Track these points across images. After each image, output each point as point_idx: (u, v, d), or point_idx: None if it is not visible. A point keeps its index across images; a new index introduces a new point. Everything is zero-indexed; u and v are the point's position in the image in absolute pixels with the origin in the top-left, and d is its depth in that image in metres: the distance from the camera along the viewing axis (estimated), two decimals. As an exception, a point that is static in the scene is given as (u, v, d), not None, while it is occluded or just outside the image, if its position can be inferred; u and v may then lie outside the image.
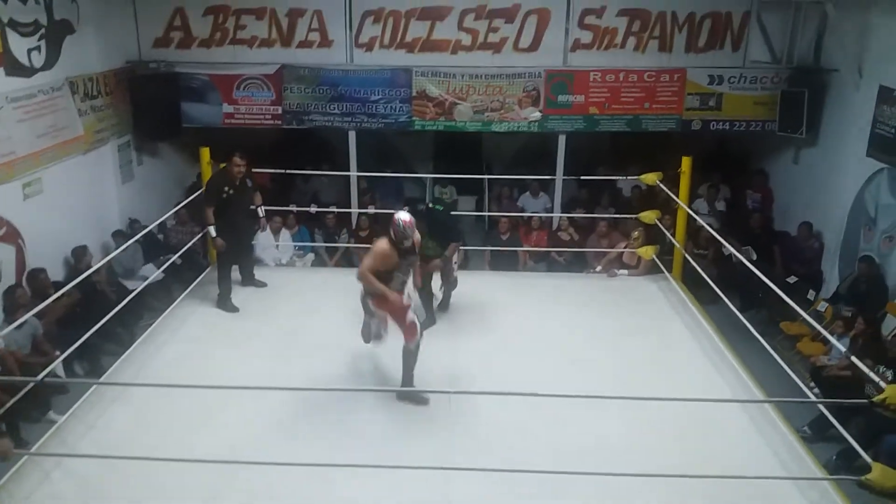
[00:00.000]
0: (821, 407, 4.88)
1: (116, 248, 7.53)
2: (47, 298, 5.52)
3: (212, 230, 6.41)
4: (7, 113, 6.66)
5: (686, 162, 6.90)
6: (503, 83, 9.02)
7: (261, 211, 6.87)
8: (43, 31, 7.23)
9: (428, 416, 4.81)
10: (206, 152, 7.18)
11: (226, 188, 6.37)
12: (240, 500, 4.04)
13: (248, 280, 6.90)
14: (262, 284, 6.92)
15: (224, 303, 6.46)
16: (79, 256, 7.26)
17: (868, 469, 3.46)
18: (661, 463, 4.14)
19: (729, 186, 9.98)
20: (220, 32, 9.01)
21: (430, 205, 6.14)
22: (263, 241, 8.18)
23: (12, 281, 6.57)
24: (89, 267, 7.43)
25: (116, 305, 5.94)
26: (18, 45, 6.87)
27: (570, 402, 4.56)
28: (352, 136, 9.23)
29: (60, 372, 6.16)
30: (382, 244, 4.72)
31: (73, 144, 7.73)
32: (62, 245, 7.34)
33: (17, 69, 6.85)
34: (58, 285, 6.39)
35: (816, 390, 5.98)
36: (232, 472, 4.13)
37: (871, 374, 3.81)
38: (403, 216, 4.71)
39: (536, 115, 9.11)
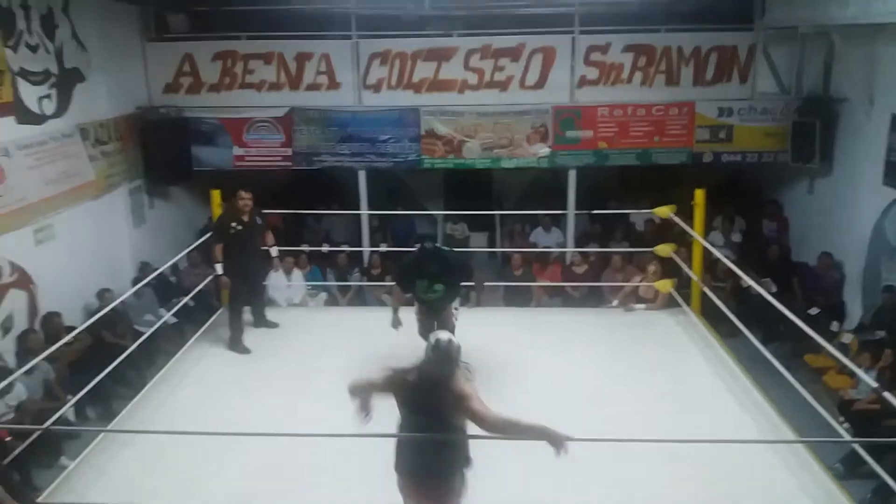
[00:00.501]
0: (855, 445, 4.70)
1: (133, 296, 7.54)
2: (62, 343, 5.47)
3: (218, 268, 6.36)
4: (19, 160, 6.69)
5: (699, 194, 6.83)
6: (511, 120, 9.04)
7: (274, 251, 6.84)
8: (53, 79, 7.33)
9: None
10: (216, 195, 7.19)
11: (233, 224, 6.33)
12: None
13: (260, 321, 6.83)
14: (274, 325, 6.84)
15: (236, 344, 6.38)
16: (102, 298, 7.23)
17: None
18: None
19: (743, 218, 9.89)
20: (229, 77, 9.12)
21: (438, 245, 5.97)
22: (275, 281, 8.14)
23: (25, 326, 6.53)
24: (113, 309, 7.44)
25: (128, 349, 5.88)
26: (29, 94, 6.95)
27: (589, 442, 4.42)
28: (362, 175, 9.24)
29: (72, 416, 6.06)
30: (467, 385, 3.41)
31: (84, 190, 7.76)
32: (75, 290, 7.30)
33: (28, 117, 6.92)
34: (71, 331, 6.34)
35: (846, 425, 5.78)
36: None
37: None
38: (446, 336, 3.48)
39: (545, 150, 9.11)
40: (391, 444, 4.61)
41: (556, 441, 3.20)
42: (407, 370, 3.41)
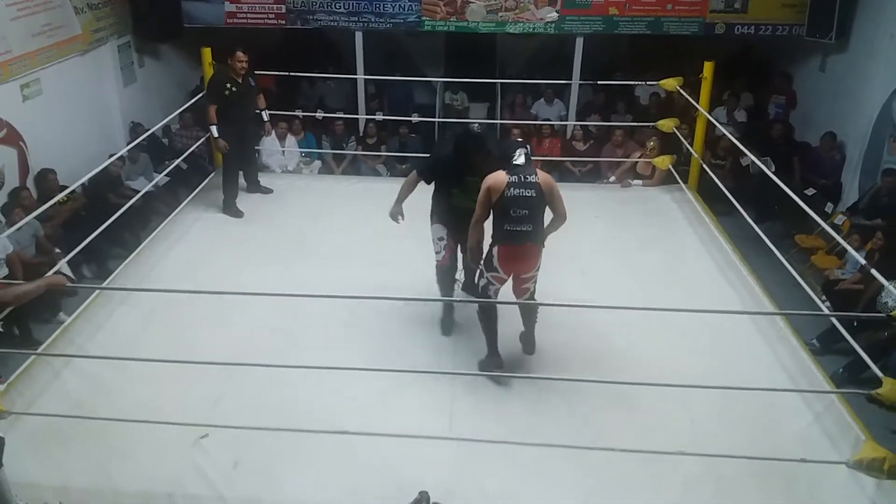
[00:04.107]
0: (833, 320, 4.81)
1: (126, 157, 7.45)
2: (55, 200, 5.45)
3: (214, 130, 6.29)
4: (0, 10, 6.38)
5: (708, 67, 6.60)
6: (518, -20, 8.57)
7: (265, 115, 6.72)
8: (31, -80, 6.83)
9: (434, 324, 4.80)
10: (207, 53, 6.95)
11: (228, 85, 6.19)
12: (245, 401, 4.08)
13: (254, 186, 6.80)
14: (268, 191, 6.82)
15: (229, 208, 6.39)
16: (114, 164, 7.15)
17: (876, 382, 3.42)
18: (668, 373, 4.11)
19: (751, 94, 9.61)
20: (219, -76, 8.52)
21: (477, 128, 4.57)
22: (269, 146, 8.03)
23: (16, 184, 6.49)
24: (120, 170, 7.43)
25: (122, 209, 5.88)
26: (6, -63, 6.51)
27: (578, 311, 4.53)
28: (358, 37, 8.86)
29: (67, 273, 6.15)
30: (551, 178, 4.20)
31: (70, 44, 7.46)
32: (66, 149, 7.19)
33: (6, -38, 6.52)
34: (65, 190, 6.32)
35: (828, 303, 5.91)
36: (238, 374, 4.15)
37: (890, 287, 3.71)
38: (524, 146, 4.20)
39: (553, 15, 8.68)
40: (381, 303, 4.74)
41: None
42: (506, 175, 4.04)
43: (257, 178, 6.87)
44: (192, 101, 7.58)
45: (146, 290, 5.07)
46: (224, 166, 6.54)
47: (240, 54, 6.19)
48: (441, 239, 4.55)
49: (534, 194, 3.99)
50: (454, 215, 4.45)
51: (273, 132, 7.39)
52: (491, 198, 3.99)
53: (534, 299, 4.33)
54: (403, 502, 3.34)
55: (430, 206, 4.63)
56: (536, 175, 4.03)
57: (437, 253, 4.58)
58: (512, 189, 3.97)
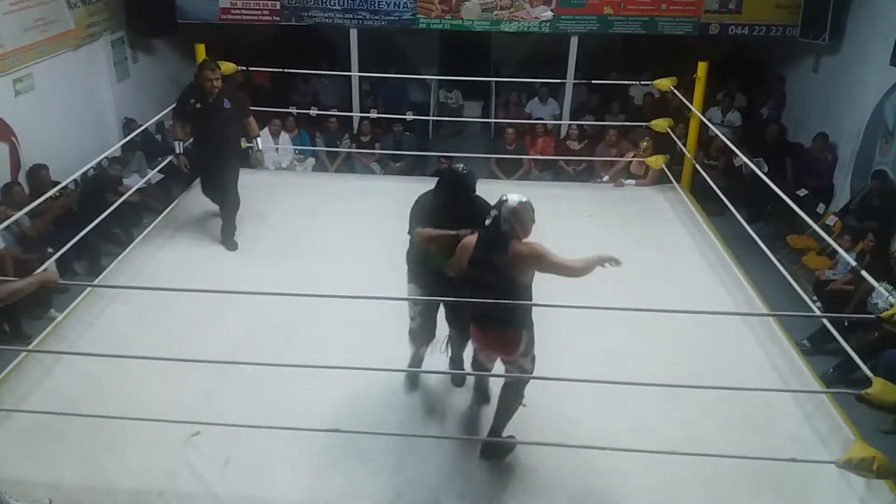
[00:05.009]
0: (824, 320, 4.84)
1: (121, 153, 7.41)
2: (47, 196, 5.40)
3: (176, 146, 5.79)
4: (-8, 4, 6.37)
5: (702, 67, 6.61)
6: (513, -21, 8.57)
7: (259, 143, 5.95)
8: (24, -87, 6.80)
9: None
10: (201, 49, 6.89)
11: (192, 101, 5.45)
12: (237, 398, 4.07)
13: (225, 234, 5.78)
14: (233, 247, 5.76)
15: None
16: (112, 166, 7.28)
17: (866, 383, 3.44)
18: (660, 372, 4.13)
19: (745, 95, 9.64)
20: (213, -82, 8.50)
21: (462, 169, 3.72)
22: (263, 143, 7.98)
23: (7, 179, 6.46)
24: (120, 174, 7.38)
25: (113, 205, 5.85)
26: (-2, -69, 6.48)
27: (570, 310, 4.52)
28: (353, 34, 8.85)
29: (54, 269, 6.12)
30: (536, 245, 3.39)
31: (63, 39, 7.43)
32: (58, 145, 7.16)
33: (-2, -44, 6.49)
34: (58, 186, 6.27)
35: (819, 304, 5.94)
36: (230, 371, 4.14)
37: (881, 288, 3.73)
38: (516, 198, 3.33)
39: (548, 14, 8.69)
40: (374, 300, 4.72)
41: (604, 261, 3.46)
42: (477, 232, 3.39)
43: (231, 230, 5.78)
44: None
45: (137, 287, 5.03)
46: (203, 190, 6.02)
47: (208, 73, 5.29)
48: (416, 304, 3.86)
49: (496, 280, 3.28)
50: (426, 277, 3.78)
51: (262, 150, 6.23)
52: (462, 263, 3.40)
53: (517, 389, 3.62)
54: (396, 501, 3.35)
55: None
56: (506, 253, 3.24)
57: (411, 319, 3.96)
58: (475, 266, 3.32)
